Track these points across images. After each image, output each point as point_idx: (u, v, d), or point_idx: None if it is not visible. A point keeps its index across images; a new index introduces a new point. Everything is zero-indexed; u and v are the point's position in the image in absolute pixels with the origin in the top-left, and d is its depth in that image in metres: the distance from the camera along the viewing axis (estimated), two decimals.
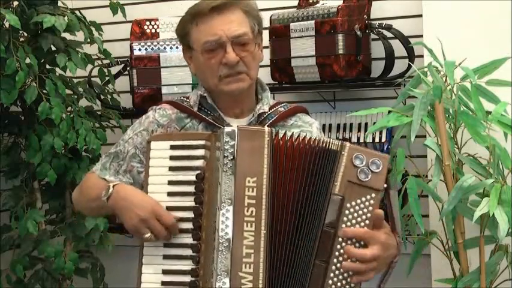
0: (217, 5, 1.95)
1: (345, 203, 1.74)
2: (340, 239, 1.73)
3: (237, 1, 1.98)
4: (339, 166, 1.74)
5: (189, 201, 1.82)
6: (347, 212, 1.74)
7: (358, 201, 1.74)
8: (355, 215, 1.74)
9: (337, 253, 1.73)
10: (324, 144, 1.78)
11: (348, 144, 1.76)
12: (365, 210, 1.74)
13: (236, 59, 1.94)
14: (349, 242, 1.73)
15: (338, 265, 1.73)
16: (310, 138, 1.80)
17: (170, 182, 1.85)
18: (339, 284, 1.73)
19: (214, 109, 2.03)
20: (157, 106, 2.07)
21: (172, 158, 1.86)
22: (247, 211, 1.72)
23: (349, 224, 1.73)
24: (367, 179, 1.74)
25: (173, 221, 1.82)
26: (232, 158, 1.74)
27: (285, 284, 1.76)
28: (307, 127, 2.06)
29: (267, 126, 1.96)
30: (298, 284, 1.76)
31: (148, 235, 1.82)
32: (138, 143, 2.03)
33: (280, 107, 2.07)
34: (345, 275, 1.73)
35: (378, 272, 1.79)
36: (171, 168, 1.85)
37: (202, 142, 1.83)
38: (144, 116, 2.08)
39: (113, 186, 1.94)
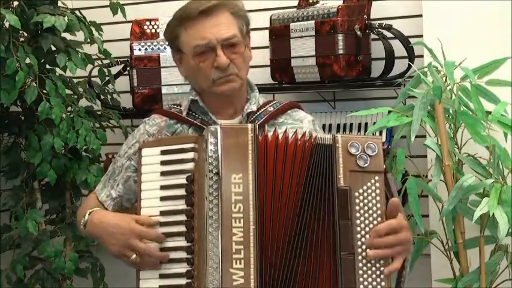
0: (205, 8, 1.95)
1: (352, 193, 1.74)
2: (358, 229, 1.73)
3: (225, 3, 1.99)
4: (337, 158, 1.76)
5: (181, 204, 1.82)
6: (357, 200, 1.75)
7: (365, 187, 1.75)
8: (366, 201, 1.75)
9: (359, 243, 1.73)
10: (315, 139, 1.79)
11: (339, 135, 1.78)
12: (373, 194, 1.75)
13: (227, 62, 1.95)
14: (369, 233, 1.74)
15: (364, 254, 1.73)
16: (299, 133, 1.80)
17: (162, 187, 1.86)
18: (369, 272, 1.73)
19: (204, 112, 2.04)
20: (147, 118, 2.10)
21: (163, 163, 1.87)
22: (235, 207, 1.72)
23: (362, 211, 1.74)
24: (367, 164, 1.76)
25: (156, 233, 1.83)
26: (216, 156, 1.74)
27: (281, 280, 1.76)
28: (298, 123, 2.06)
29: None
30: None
31: (134, 257, 1.83)
32: (131, 154, 2.06)
33: (270, 106, 2.07)
34: (377, 265, 1.73)
35: (403, 256, 1.77)
36: (163, 173, 1.86)
37: (191, 145, 1.84)
38: (136, 130, 2.11)
39: (89, 213, 1.98)
